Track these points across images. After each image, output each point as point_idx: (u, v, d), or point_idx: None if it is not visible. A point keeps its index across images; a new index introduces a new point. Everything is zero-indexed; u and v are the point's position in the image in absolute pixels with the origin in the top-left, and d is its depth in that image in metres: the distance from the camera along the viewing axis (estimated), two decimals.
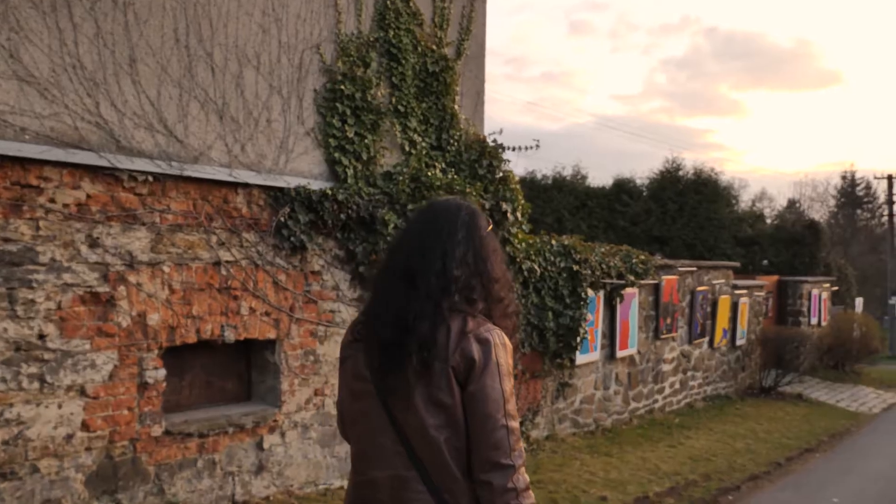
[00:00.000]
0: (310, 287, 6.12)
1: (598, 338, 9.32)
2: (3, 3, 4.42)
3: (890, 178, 33.95)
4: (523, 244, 7.94)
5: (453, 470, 1.97)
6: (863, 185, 45.59)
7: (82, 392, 4.74)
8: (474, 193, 7.05)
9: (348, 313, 6.38)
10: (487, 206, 7.31)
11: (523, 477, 1.98)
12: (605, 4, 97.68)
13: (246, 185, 5.67)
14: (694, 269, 12.07)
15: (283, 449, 5.94)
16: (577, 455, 8.05)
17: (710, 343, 12.57)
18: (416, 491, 1.98)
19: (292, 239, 5.90)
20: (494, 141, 7.80)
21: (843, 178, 46.25)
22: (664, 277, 10.81)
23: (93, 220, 4.80)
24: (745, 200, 27.17)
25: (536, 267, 8.05)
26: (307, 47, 6.18)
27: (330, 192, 6.06)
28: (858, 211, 46.44)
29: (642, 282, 10.03)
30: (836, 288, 20.03)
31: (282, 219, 5.83)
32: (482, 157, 7.59)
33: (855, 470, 8.67)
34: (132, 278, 4.98)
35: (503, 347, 2.03)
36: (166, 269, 5.17)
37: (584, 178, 23.20)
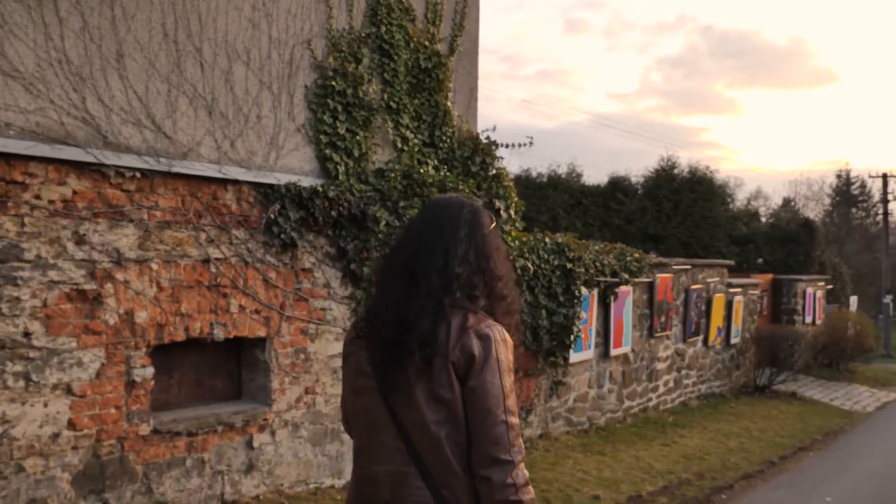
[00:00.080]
0: (300, 285, 6.07)
1: (591, 336, 9.29)
2: None
3: (885, 176, 33.96)
4: (517, 242, 7.90)
5: (454, 465, 1.97)
6: (858, 184, 45.68)
7: (69, 390, 4.68)
8: (467, 190, 7.01)
9: (339, 311, 6.34)
10: (480, 203, 7.26)
11: (523, 472, 1.97)
12: (600, 3, 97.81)
13: (235, 182, 5.62)
14: (688, 267, 12.04)
15: (273, 448, 5.89)
16: (571, 454, 8.02)
17: (705, 341, 12.56)
18: (415, 487, 1.99)
19: (283, 236, 5.85)
20: (487, 138, 7.75)
21: (838, 176, 46.39)
22: (658, 275, 10.78)
23: (79, 216, 4.74)
24: (740, 199, 27.18)
25: (530, 265, 8.01)
26: (298, 43, 6.12)
27: (321, 188, 6.01)
28: (853, 209, 46.51)
29: (637, 280, 10.01)
30: (830, 286, 20.05)
31: (272, 216, 5.78)
32: (475, 154, 7.54)
33: (849, 468, 8.66)
34: (119, 276, 4.93)
35: (504, 343, 2.03)
36: (154, 266, 5.12)
37: (579, 176, 23.24)
